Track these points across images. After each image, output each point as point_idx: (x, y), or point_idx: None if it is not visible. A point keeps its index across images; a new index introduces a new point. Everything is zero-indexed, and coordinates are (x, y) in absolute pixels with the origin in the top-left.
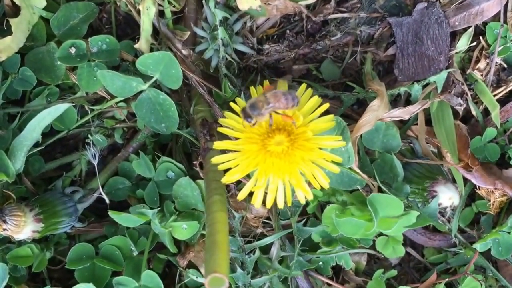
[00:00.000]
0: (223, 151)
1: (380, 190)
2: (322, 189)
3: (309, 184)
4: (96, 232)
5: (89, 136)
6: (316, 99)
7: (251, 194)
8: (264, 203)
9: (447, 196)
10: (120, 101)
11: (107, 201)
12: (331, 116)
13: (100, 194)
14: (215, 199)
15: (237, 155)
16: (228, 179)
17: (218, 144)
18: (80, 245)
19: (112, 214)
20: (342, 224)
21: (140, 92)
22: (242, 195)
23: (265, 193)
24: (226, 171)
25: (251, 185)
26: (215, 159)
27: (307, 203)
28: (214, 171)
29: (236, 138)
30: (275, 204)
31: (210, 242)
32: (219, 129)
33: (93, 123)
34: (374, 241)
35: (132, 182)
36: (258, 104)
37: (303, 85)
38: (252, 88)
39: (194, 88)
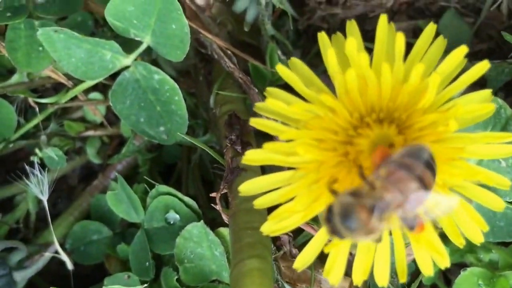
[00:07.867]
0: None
1: None
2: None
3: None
4: None
5: (37, 152)
6: (458, 56)
7: (322, 256)
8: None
9: None
10: (92, 89)
11: (70, 266)
12: (488, 91)
13: (56, 253)
14: (247, 266)
15: (291, 175)
16: (271, 227)
17: (250, 155)
18: None
19: None
20: None
21: (121, 71)
22: (303, 260)
23: (350, 254)
24: (271, 210)
25: (321, 239)
26: (244, 186)
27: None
28: (248, 210)
29: (288, 141)
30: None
31: None
32: (253, 121)
33: (46, 130)
34: None
35: (115, 230)
36: (356, 209)
37: (431, 27)
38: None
39: (217, 64)
